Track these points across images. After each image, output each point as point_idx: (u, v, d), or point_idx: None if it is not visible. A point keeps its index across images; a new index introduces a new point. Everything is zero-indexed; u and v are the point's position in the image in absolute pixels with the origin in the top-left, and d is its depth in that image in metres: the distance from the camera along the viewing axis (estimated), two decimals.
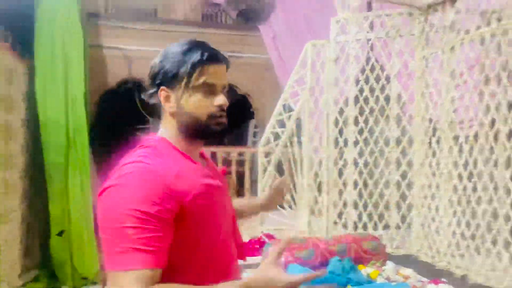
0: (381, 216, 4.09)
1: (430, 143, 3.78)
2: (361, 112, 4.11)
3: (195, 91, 1.07)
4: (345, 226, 4.25)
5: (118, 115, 7.78)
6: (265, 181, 4.53)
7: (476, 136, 3.37)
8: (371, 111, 4.09)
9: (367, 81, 4.10)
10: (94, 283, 4.03)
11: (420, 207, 3.88)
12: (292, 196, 4.61)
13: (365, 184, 4.12)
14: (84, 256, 4.04)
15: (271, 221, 4.65)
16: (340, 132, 4.16)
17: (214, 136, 1.11)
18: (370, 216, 4.13)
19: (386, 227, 4.11)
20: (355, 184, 4.14)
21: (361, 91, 4.11)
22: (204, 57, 1.07)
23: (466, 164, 3.40)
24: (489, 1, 3.31)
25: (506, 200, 3.08)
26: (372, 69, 4.11)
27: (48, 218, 4.04)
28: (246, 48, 8.21)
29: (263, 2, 7.28)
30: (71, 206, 4.04)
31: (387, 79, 4.08)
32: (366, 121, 4.11)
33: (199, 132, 1.10)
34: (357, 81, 4.12)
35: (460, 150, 3.46)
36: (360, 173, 4.12)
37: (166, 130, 1.12)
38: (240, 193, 6.29)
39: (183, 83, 1.07)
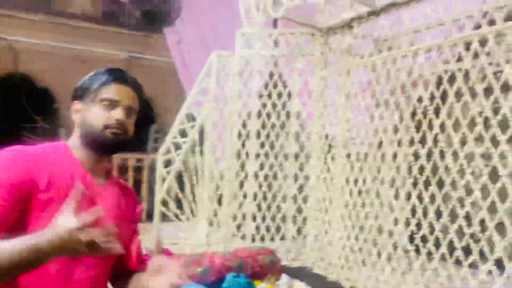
0: (278, 229, 4.19)
1: (326, 159, 3.97)
2: (263, 126, 4.19)
3: (98, 105, 1.19)
4: (243, 238, 4.27)
5: (1, 112, 7.00)
6: (163, 191, 4.39)
7: (366, 155, 3.62)
8: (273, 125, 4.18)
9: (270, 96, 4.19)
10: None
11: (314, 220, 4.05)
12: (191, 208, 4.53)
13: (265, 197, 4.20)
14: None
15: (167, 234, 4.51)
16: (243, 144, 4.19)
17: (108, 145, 1.20)
18: (268, 228, 4.21)
19: (283, 239, 4.22)
20: (255, 196, 4.19)
21: (264, 105, 4.19)
22: (111, 77, 1.22)
23: (356, 181, 3.63)
24: (382, 30, 3.58)
25: (390, 216, 3.35)
26: (275, 85, 4.21)
27: None
28: (149, 50, 7.95)
29: (169, 5, 7.10)
30: None
31: (289, 95, 4.22)
32: (267, 135, 4.19)
33: (94, 140, 1.19)
34: (260, 96, 4.18)
35: (352, 168, 3.68)
36: (260, 185, 4.19)
37: (71, 138, 1.24)
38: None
39: (90, 98, 1.20)
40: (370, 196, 3.51)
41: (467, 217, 2.79)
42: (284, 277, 3.41)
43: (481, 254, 2.62)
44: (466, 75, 2.81)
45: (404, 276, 3.23)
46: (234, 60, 4.26)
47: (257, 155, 4.18)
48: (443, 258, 2.86)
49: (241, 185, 4.24)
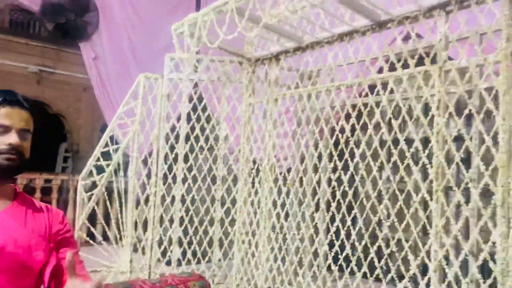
0: (204, 252, 4.21)
1: (253, 183, 4.11)
2: (191, 149, 4.21)
3: None
4: (168, 264, 4.21)
5: None
6: (84, 217, 4.16)
7: (292, 179, 3.83)
8: (201, 149, 4.23)
9: (198, 120, 4.24)
10: None
11: (241, 243, 4.14)
12: (115, 234, 4.35)
13: (191, 221, 4.20)
14: None
15: (87, 261, 4.26)
16: (169, 168, 4.17)
17: (2, 171, 1.19)
18: (194, 252, 4.20)
19: (209, 262, 4.24)
20: (181, 221, 4.17)
21: (192, 129, 4.22)
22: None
23: (283, 205, 3.81)
24: (307, 64, 3.85)
25: (314, 238, 3.57)
26: (204, 109, 4.28)
27: None
28: (62, 64, 7.52)
29: (86, 19, 6.83)
30: None
31: (217, 120, 4.30)
32: (195, 159, 4.22)
33: None
34: (189, 119, 4.21)
35: (279, 192, 3.86)
36: (187, 210, 4.18)
37: None
38: None
39: None
40: (296, 219, 3.70)
41: (386, 238, 3.10)
42: None
43: (398, 271, 2.92)
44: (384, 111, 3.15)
45: None
46: (163, 82, 4.25)
47: (184, 179, 4.18)
48: (364, 276, 3.12)
49: (167, 209, 4.20)
